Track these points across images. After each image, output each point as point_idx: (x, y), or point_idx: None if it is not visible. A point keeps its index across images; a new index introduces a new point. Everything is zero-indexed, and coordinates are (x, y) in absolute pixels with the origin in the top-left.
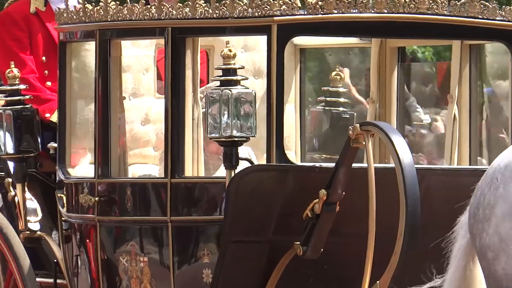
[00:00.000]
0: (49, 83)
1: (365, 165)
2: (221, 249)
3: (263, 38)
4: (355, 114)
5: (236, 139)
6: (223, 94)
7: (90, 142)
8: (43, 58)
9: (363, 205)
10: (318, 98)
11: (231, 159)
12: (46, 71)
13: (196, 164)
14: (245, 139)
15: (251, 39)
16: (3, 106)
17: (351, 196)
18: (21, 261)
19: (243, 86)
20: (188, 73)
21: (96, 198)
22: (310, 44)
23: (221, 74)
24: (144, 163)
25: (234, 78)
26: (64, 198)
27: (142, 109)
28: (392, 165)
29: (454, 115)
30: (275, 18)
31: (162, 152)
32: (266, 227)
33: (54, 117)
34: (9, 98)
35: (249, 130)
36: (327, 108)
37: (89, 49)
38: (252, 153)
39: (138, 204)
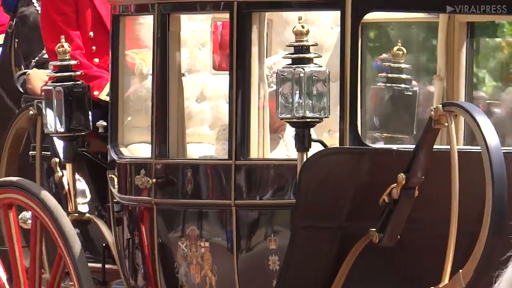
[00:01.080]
0: (96, 60)
1: (445, 147)
2: (291, 235)
3: (323, 12)
4: (418, 91)
5: (308, 120)
6: (295, 72)
7: (143, 120)
8: (91, 33)
9: (441, 190)
10: (379, 75)
11: (303, 141)
12: (94, 47)
13: (261, 145)
14: (318, 120)
15: (311, 13)
16: (52, 82)
17: (428, 180)
18: (72, 244)
19: (316, 64)
20: (254, 49)
21: (154, 180)
22: (372, 18)
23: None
24: (199, 142)
25: (307, 56)
26: (116, 179)
27: (198, 85)
28: (475, 147)
29: None
30: None
31: (219, 131)
32: (339, 213)
33: (103, 95)
34: (59, 74)
35: (322, 110)
36: (388, 84)
37: (143, 22)
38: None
39: (200, 187)
